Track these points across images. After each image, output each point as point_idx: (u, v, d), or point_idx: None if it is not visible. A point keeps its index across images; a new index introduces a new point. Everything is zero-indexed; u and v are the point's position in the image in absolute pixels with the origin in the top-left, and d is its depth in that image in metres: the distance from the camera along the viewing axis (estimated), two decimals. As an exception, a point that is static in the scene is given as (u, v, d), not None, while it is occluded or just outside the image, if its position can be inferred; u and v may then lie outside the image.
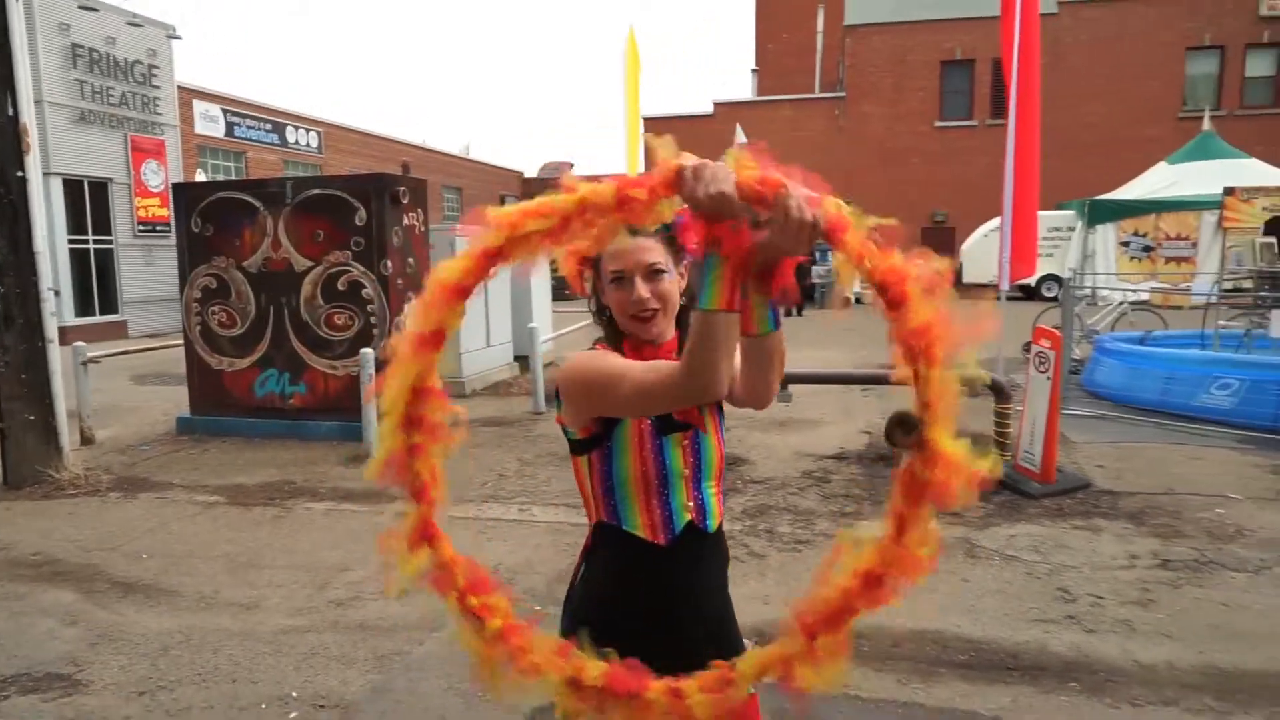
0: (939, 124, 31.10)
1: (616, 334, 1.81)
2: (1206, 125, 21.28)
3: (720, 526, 1.84)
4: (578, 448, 1.80)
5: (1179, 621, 4.05)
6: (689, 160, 1.39)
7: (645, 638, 1.68)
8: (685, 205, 1.44)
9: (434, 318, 1.52)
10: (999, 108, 27.78)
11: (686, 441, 1.77)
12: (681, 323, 1.79)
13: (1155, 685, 3.49)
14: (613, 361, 1.67)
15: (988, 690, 3.47)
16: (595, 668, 1.58)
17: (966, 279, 22.04)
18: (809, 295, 21.65)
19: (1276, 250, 13.23)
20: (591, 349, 1.82)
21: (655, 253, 1.70)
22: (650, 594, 1.74)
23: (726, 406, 1.85)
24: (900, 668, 3.63)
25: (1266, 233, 16.71)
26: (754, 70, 40.89)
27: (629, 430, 1.74)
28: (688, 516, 1.77)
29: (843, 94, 32.00)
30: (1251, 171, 19.73)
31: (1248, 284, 11.44)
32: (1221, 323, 10.27)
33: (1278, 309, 8.98)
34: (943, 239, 28.40)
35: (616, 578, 1.78)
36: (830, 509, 5.76)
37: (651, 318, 1.72)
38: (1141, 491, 6.01)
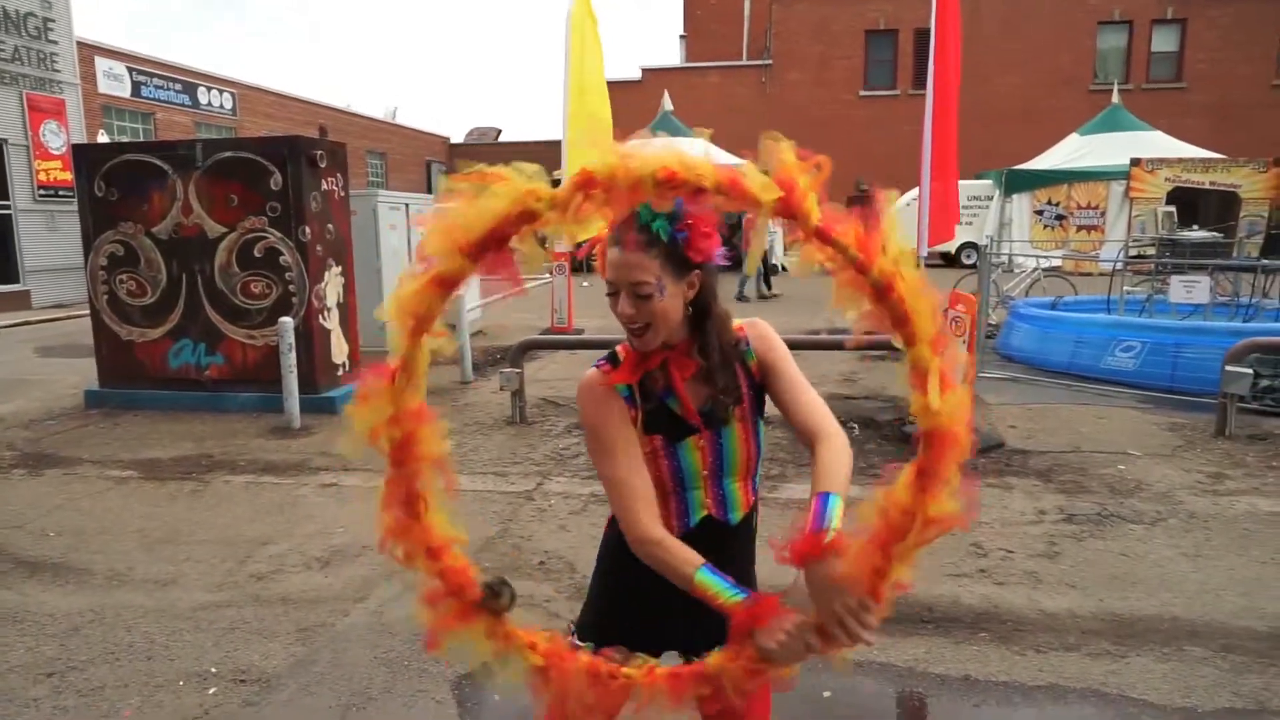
0: (863, 93, 31.49)
1: None
2: (1115, 98, 21.97)
3: (748, 516, 1.85)
4: None
5: (1081, 572, 4.25)
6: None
7: (652, 611, 1.81)
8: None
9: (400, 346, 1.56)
10: (922, 78, 28.21)
11: (704, 443, 1.77)
12: (699, 326, 1.73)
13: (1058, 632, 3.67)
14: (606, 438, 1.71)
15: (903, 643, 3.59)
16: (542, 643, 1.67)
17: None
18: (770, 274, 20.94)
19: (1176, 220, 13.79)
20: (596, 366, 1.80)
21: (645, 271, 1.62)
22: (657, 577, 1.66)
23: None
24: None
25: (1168, 203, 17.39)
26: (682, 36, 40.72)
27: (645, 442, 1.75)
28: (704, 512, 1.80)
29: (769, 62, 32.12)
30: (1156, 144, 20.46)
31: (1151, 251, 11.91)
32: (1126, 289, 10.70)
33: (1176, 275, 9.40)
34: (866, 207, 28.86)
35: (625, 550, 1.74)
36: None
37: (640, 333, 1.69)
38: (1050, 450, 6.26)
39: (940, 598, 3.98)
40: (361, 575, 4.34)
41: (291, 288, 7.90)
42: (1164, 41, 30.10)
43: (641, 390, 1.76)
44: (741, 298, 16.70)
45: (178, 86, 24.99)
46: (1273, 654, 3.44)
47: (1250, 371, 6.55)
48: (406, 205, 11.43)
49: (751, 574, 1.90)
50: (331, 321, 8.12)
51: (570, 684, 1.64)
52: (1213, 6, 29.39)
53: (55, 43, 19.61)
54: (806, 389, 1.76)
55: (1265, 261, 10.68)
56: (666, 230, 1.60)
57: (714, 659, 1.61)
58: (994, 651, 3.52)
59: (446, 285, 1.53)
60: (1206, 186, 18.35)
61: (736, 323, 1.81)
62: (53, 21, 19.56)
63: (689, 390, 1.75)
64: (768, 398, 1.82)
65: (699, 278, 1.69)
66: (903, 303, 1.48)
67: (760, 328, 1.83)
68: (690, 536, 1.74)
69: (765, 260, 17.92)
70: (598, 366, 1.79)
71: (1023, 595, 4.00)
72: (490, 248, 1.49)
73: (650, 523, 1.65)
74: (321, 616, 3.93)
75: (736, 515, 1.83)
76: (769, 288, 17.77)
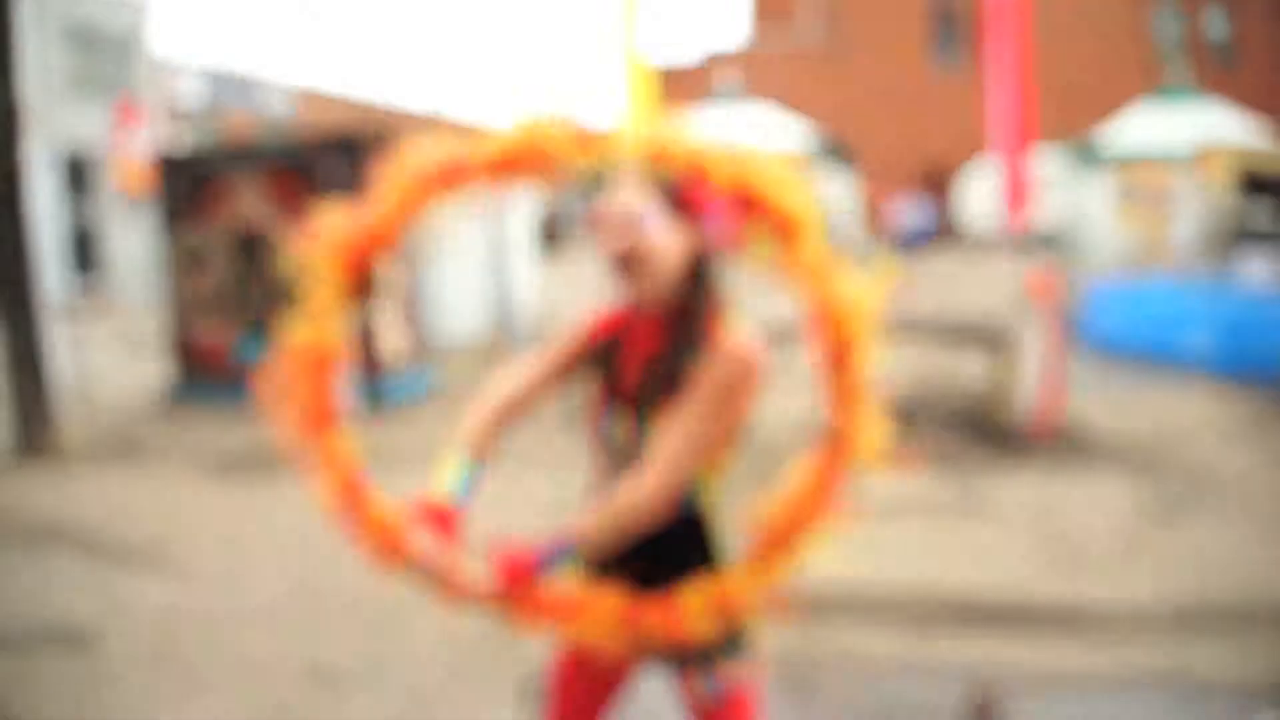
0: (931, 67, 31.10)
1: None
2: (1176, 76, 21.39)
3: (671, 524, 1.68)
4: None
5: (1161, 561, 4.16)
6: None
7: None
8: (694, 169, 1.60)
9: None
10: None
11: (628, 418, 1.71)
12: (695, 290, 1.67)
13: (1135, 622, 3.60)
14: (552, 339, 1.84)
15: (982, 639, 3.53)
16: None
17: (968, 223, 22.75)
18: None
19: (1246, 204, 13.33)
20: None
21: (638, 203, 1.61)
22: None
23: None
24: (898, 622, 3.65)
25: (1239, 185, 16.82)
26: (750, 14, 40.22)
27: (594, 389, 1.78)
28: None
29: (834, 40, 31.82)
30: (1220, 121, 19.87)
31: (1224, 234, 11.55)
32: (1201, 268, 10.39)
33: (1250, 256, 9.15)
34: (939, 180, 28.54)
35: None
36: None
37: (629, 268, 1.63)
38: (1130, 436, 6.12)
39: (1020, 592, 3.90)
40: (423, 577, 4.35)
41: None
42: (1217, 25, 29.39)
43: (608, 345, 1.77)
44: None
45: (241, 91, 25.63)
46: None
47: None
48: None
49: (685, 579, 1.69)
50: (389, 312, 8.19)
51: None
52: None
53: (139, 58, 20.48)
54: (677, 429, 1.61)
55: None
56: (662, 177, 1.62)
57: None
58: (1071, 644, 3.46)
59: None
60: (1272, 174, 17.81)
61: (737, 331, 1.66)
62: (138, 37, 20.45)
63: (644, 361, 1.70)
64: None
65: (700, 241, 1.64)
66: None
67: (736, 353, 1.63)
68: None
69: None
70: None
71: (1102, 587, 3.91)
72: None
73: (478, 405, 1.75)
74: (389, 616, 3.93)
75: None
76: None
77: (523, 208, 11.89)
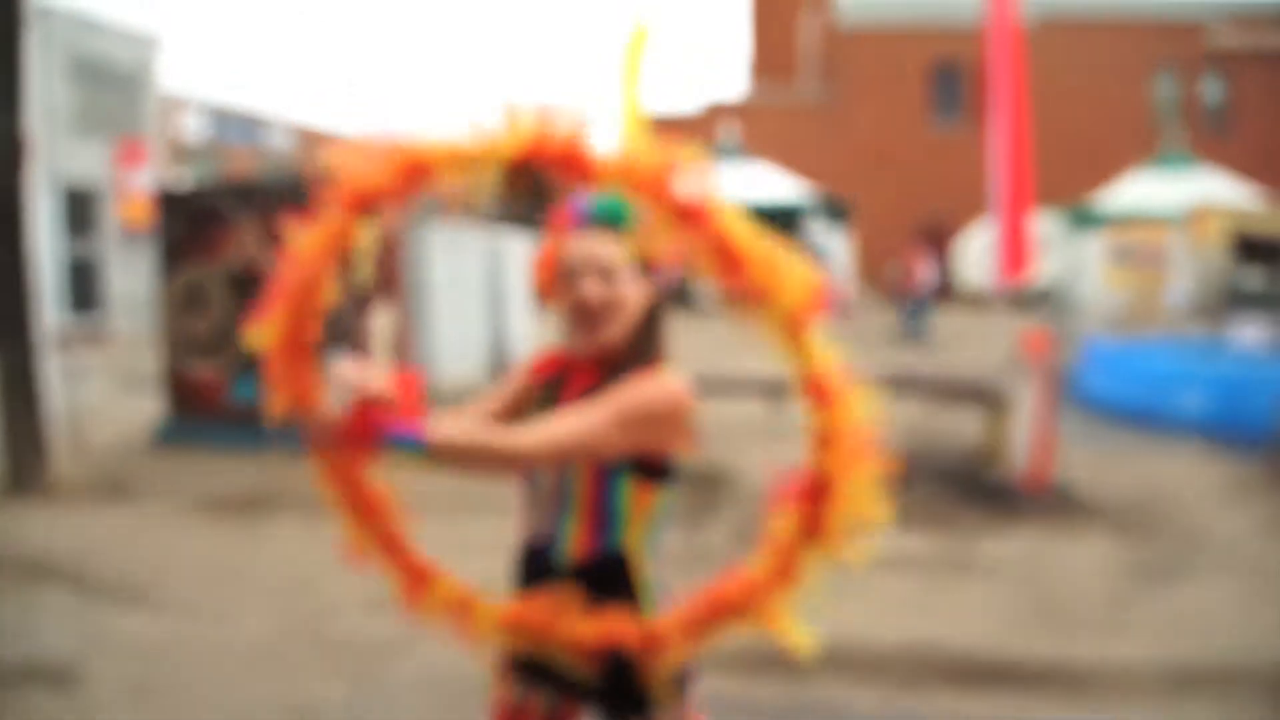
0: (929, 125, 31.52)
1: None
2: (1172, 142, 21.74)
3: (585, 569, 1.70)
4: None
5: (1148, 622, 4.18)
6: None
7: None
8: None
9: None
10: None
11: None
12: (642, 341, 1.71)
13: (1122, 682, 3.61)
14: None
15: (971, 699, 3.51)
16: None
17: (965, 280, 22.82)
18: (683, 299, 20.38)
19: (1236, 265, 13.52)
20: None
21: (614, 254, 1.64)
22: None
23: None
24: (886, 681, 3.63)
25: (1232, 248, 17.03)
26: (747, 68, 40.82)
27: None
28: (540, 532, 1.76)
29: (833, 95, 32.22)
30: (1214, 189, 20.20)
31: (1215, 294, 11.68)
32: (1192, 330, 10.48)
33: (1240, 319, 9.24)
34: (939, 237, 28.86)
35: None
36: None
37: (594, 321, 1.65)
38: (1121, 497, 6.10)
39: (1009, 652, 3.88)
40: (413, 623, 4.32)
41: (345, 324, 8.00)
42: (1213, 92, 30.40)
43: (547, 387, 1.79)
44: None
45: (245, 128, 25.91)
46: None
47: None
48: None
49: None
50: (380, 356, 8.21)
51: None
52: (1256, 64, 29.63)
53: (144, 94, 20.73)
54: (578, 412, 1.62)
55: None
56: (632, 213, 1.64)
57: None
58: (1060, 704, 3.46)
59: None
60: (1266, 237, 18.10)
61: (669, 370, 1.71)
62: (145, 75, 20.71)
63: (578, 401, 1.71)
64: None
65: (653, 290, 1.69)
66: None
67: (665, 381, 1.66)
68: (527, 553, 1.79)
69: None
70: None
71: (1089, 647, 3.91)
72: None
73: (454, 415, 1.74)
74: (374, 661, 3.93)
75: (563, 559, 1.71)
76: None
77: (518, 255, 12.12)
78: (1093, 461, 7.09)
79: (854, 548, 1.62)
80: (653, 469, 1.68)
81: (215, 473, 7.26)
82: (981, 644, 3.92)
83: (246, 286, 8.27)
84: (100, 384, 12.05)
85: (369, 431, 1.54)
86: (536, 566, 1.75)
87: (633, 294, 1.66)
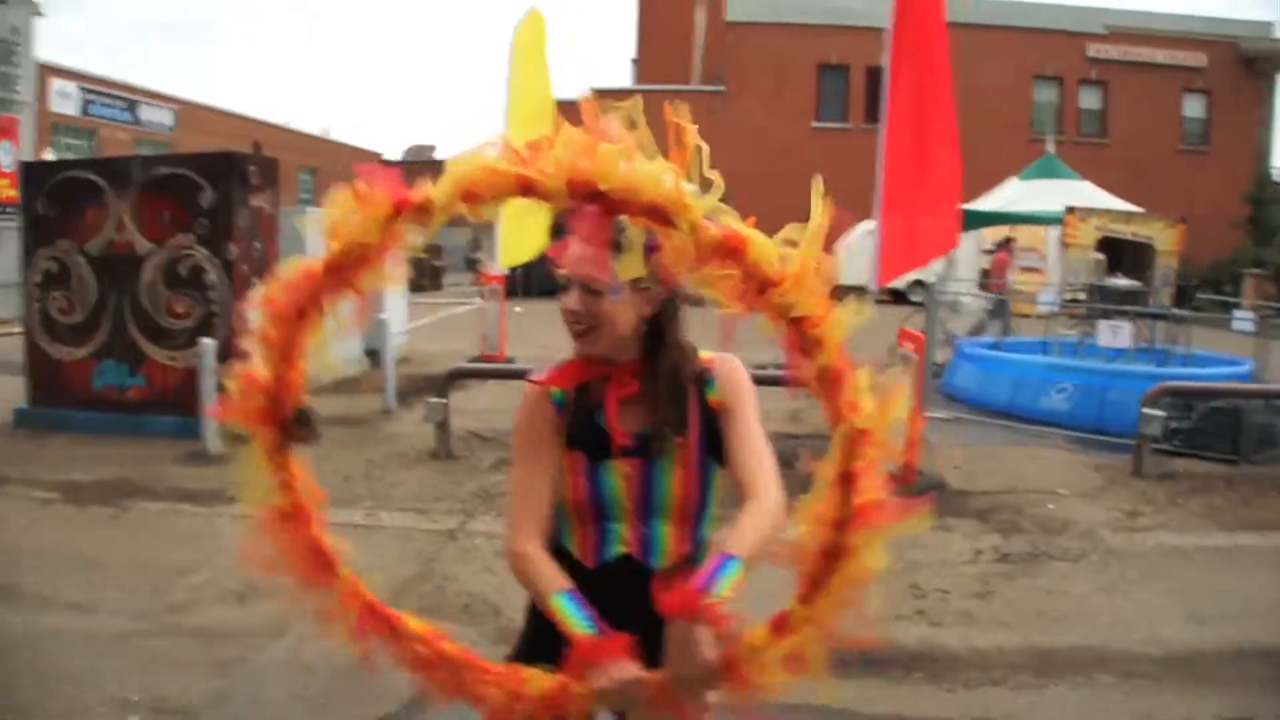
0: (815, 125, 32.07)
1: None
2: (1050, 148, 22.66)
3: (674, 567, 1.68)
4: None
5: (1011, 609, 4.35)
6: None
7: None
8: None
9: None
10: (874, 113, 28.94)
11: (630, 470, 1.67)
12: (653, 349, 1.67)
13: (987, 668, 3.76)
14: (520, 439, 1.74)
15: (838, 684, 3.55)
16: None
17: (844, 279, 23.00)
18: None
19: (1106, 267, 14.23)
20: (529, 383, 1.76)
21: (604, 270, 1.58)
22: None
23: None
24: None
25: (1098, 250, 17.94)
26: (634, 60, 40.97)
27: (566, 457, 1.70)
28: (622, 548, 1.70)
29: (722, 88, 32.48)
30: (1085, 194, 21.13)
31: (1083, 296, 12.27)
32: (1062, 331, 10.99)
33: (1104, 320, 9.72)
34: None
35: None
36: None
37: (583, 334, 1.64)
38: (988, 491, 6.34)
39: (876, 639, 3.98)
40: (277, 611, 4.19)
41: (214, 308, 7.65)
42: (1090, 100, 31.94)
43: (576, 402, 1.69)
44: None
45: (121, 104, 24.66)
46: (1165, 676, 3.68)
47: (1163, 414, 6.81)
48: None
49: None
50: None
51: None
52: (1128, 73, 31.23)
53: (18, 65, 19.39)
54: (756, 443, 1.67)
55: (1176, 311, 11.42)
56: (641, 237, 1.54)
57: (550, 677, 1.54)
58: (925, 690, 3.58)
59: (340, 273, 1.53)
60: (1129, 237, 19.06)
61: (706, 354, 1.73)
62: (18, 45, 19.35)
63: (627, 413, 1.66)
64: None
65: (660, 299, 1.65)
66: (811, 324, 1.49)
67: (731, 364, 1.73)
68: (606, 573, 1.69)
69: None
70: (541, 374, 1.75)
71: (956, 634, 4.05)
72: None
73: (525, 536, 1.63)
74: (239, 650, 3.83)
75: (661, 562, 1.70)
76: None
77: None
78: (962, 455, 7.37)
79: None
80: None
81: (77, 459, 6.92)
82: (850, 630, 4.00)
83: (114, 268, 7.84)
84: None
85: (692, 604, 1.41)
86: (616, 579, 1.67)
87: (624, 312, 1.62)
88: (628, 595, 1.59)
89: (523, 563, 1.60)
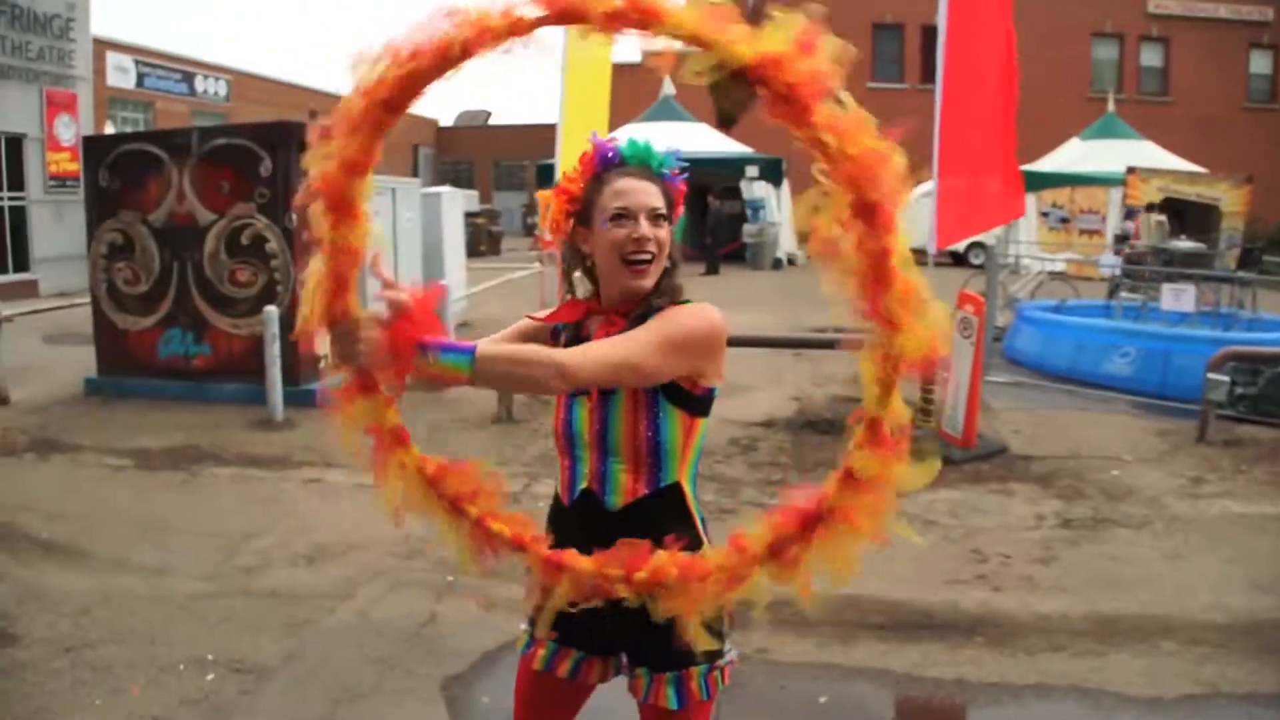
0: (870, 85, 31.53)
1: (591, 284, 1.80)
2: (1110, 107, 22.01)
3: (635, 507, 1.71)
4: None
5: (1074, 575, 4.29)
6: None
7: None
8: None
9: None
10: (929, 72, 28.36)
11: (592, 405, 1.71)
12: (662, 283, 1.73)
13: (1049, 633, 3.73)
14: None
15: (901, 649, 3.60)
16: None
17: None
18: (739, 255, 21.34)
19: (1168, 229, 13.80)
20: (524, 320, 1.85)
21: (657, 197, 1.69)
22: (560, 546, 1.66)
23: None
24: (820, 631, 3.70)
25: (1161, 211, 17.42)
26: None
27: None
28: (584, 484, 1.74)
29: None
30: (1148, 154, 20.51)
31: (1146, 259, 11.93)
32: (1124, 295, 10.71)
33: (1168, 283, 9.47)
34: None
35: (548, 522, 1.82)
36: (756, 477, 5.78)
37: (646, 265, 1.68)
38: (1050, 455, 6.24)
39: (939, 604, 3.98)
40: (347, 575, 4.31)
41: (277, 275, 7.78)
42: (1151, 57, 30.80)
43: (569, 338, 1.77)
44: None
45: (176, 76, 25.02)
46: (1229, 644, 3.61)
47: (1228, 379, 6.64)
48: (393, 191, 10.80)
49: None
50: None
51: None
52: (1190, 29, 29.99)
53: (74, 40, 19.78)
54: (625, 336, 1.63)
55: (1242, 274, 11.00)
56: (670, 163, 1.72)
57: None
58: (987, 654, 3.56)
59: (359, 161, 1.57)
60: (1193, 198, 18.48)
61: (691, 304, 1.73)
62: (74, 20, 19.74)
63: None
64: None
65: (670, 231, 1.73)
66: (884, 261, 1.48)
67: (694, 306, 1.70)
68: (574, 509, 1.75)
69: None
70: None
71: (1017, 599, 4.02)
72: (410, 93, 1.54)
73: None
74: (309, 612, 3.92)
75: (615, 500, 1.71)
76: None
77: (452, 207, 12.48)
78: (1023, 420, 7.27)
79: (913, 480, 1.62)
80: (693, 401, 1.70)
81: (146, 427, 7.11)
82: (912, 596, 4.01)
83: (176, 238, 8.01)
84: (30, 339, 11.69)
85: (411, 345, 1.43)
86: (581, 516, 1.73)
87: (667, 238, 1.70)
88: (590, 532, 1.66)
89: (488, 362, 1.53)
